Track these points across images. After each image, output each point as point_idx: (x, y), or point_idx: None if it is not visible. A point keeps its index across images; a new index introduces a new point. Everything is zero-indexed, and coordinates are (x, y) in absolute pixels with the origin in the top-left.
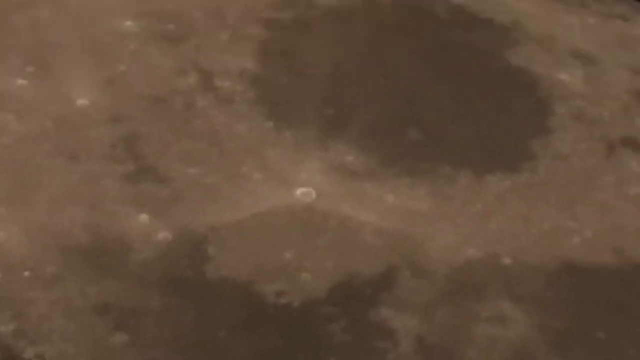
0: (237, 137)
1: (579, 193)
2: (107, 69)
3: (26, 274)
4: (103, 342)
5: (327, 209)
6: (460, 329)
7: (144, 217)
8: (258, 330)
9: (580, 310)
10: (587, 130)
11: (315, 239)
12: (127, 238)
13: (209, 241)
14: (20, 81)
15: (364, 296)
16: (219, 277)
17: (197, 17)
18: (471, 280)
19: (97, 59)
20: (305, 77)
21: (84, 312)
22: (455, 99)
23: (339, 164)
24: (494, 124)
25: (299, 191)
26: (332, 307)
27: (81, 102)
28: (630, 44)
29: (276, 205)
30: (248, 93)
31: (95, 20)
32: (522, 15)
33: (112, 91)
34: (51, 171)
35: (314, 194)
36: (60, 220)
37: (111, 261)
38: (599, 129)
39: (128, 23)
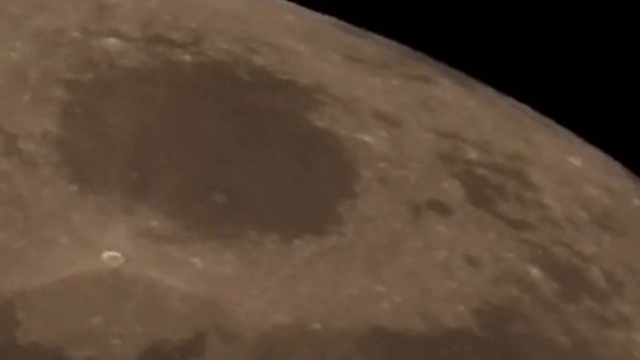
0: (42, 200)
1: (386, 257)
2: None
3: None
4: None
5: (134, 274)
6: None
7: None
8: None
9: None
10: (392, 193)
11: (123, 304)
12: None
13: (18, 306)
14: None
15: None
16: (29, 342)
17: None
18: (280, 345)
19: None
20: (109, 139)
21: None
22: (260, 162)
23: (145, 228)
24: (299, 187)
25: (106, 255)
26: None
27: None
28: (433, 105)
29: (83, 270)
30: (52, 156)
31: None
32: (325, 76)
33: None
34: None
35: (120, 259)
36: None
37: None
38: (404, 192)
39: None
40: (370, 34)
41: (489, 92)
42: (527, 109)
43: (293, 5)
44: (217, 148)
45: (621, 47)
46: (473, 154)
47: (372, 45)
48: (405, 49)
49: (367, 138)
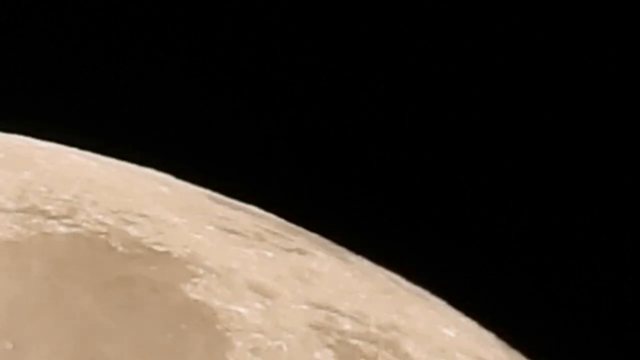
0: None
1: None
2: None
3: None
4: None
5: None
6: None
7: None
8: None
9: None
10: None
11: None
12: None
13: None
14: None
15: None
16: None
17: None
18: None
19: None
20: None
21: None
22: (134, 334)
23: None
24: (172, 358)
25: None
26: None
27: None
28: (307, 277)
29: None
30: None
31: None
32: (200, 247)
33: None
34: None
35: None
36: None
37: None
38: None
39: None
40: (245, 205)
41: (364, 263)
42: (402, 280)
43: (167, 177)
44: (90, 319)
45: None
46: (347, 325)
47: (247, 217)
48: (281, 221)
49: (241, 309)
